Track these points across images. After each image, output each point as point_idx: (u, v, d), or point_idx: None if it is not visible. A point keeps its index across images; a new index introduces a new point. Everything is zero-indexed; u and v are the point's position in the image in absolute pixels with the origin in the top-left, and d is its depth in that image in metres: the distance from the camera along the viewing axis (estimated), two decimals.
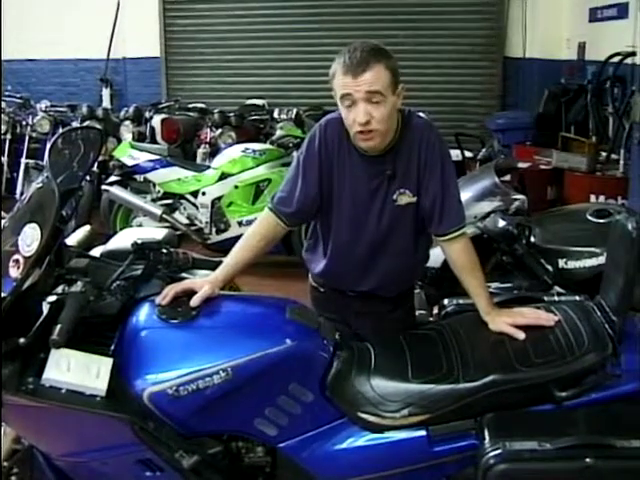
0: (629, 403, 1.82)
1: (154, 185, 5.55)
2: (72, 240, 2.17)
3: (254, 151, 5.42)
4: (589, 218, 3.11)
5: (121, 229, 4.63)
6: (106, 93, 8.39)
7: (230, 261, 2.16)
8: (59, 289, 1.90)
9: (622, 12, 5.70)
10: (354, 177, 2.22)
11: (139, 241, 2.01)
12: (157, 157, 5.47)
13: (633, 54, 5.30)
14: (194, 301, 1.96)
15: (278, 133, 5.88)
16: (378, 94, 2.03)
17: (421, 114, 2.36)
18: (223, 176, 5.34)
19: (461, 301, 2.25)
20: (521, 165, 5.09)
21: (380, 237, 2.25)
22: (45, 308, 1.81)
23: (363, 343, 2.13)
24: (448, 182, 2.20)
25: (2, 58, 7.12)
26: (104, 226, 5.55)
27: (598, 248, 2.85)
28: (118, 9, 8.20)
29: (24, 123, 6.74)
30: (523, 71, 7.57)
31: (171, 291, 1.97)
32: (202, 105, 7.51)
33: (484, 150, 4.99)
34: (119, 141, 6.46)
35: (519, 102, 7.59)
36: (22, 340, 1.74)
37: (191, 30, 8.34)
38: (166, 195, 5.52)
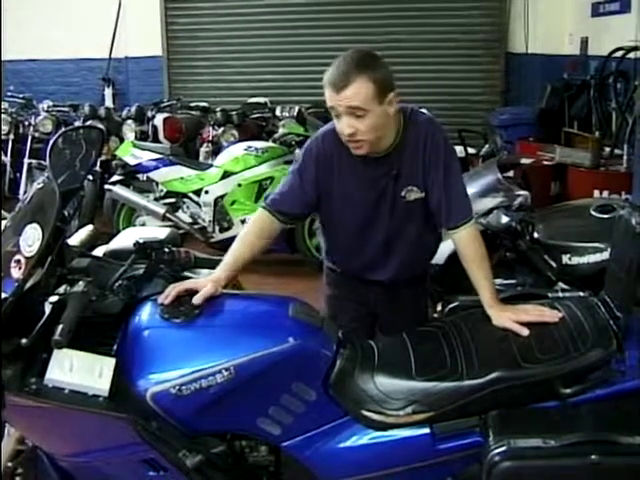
0: (634, 399, 1.81)
1: (157, 184, 5.55)
2: (75, 240, 2.17)
3: (257, 149, 5.41)
4: (593, 214, 3.10)
5: (124, 228, 4.64)
6: (108, 92, 8.40)
7: (229, 259, 2.16)
8: (61, 289, 1.90)
9: (624, 7, 5.67)
10: (360, 182, 2.23)
11: (141, 240, 2.01)
12: (160, 156, 5.47)
13: (636, 49, 5.28)
14: (196, 300, 1.95)
15: (280, 131, 5.88)
16: (359, 109, 2.04)
17: (423, 110, 2.36)
18: (226, 174, 5.34)
19: (465, 298, 2.24)
20: (524, 161, 5.08)
21: (393, 232, 2.29)
22: (47, 308, 1.81)
23: (366, 341, 2.12)
24: (454, 176, 2.22)
25: (5, 58, 7.16)
26: (107, 225, 5.57)
27: (602, 244, 2.84)
28: (120, 8, 8.20)
29: (27, 123, 6.76)
30: (525, 67, 7.54)
31: (173, 290, 1.97)
32: (204, 104, 7.51)
33: (487, 146, 4.96)
34: (122, 140, 6.45)
35: (522, 98, 7.56)
36: (24, 340, 1.74)
37: (193, 29, 8.34)
38: (169, 194, 5.52)
